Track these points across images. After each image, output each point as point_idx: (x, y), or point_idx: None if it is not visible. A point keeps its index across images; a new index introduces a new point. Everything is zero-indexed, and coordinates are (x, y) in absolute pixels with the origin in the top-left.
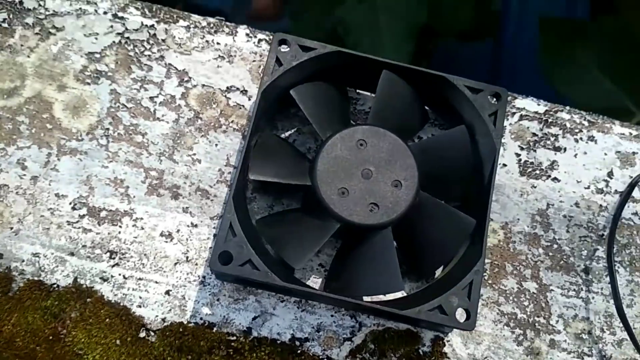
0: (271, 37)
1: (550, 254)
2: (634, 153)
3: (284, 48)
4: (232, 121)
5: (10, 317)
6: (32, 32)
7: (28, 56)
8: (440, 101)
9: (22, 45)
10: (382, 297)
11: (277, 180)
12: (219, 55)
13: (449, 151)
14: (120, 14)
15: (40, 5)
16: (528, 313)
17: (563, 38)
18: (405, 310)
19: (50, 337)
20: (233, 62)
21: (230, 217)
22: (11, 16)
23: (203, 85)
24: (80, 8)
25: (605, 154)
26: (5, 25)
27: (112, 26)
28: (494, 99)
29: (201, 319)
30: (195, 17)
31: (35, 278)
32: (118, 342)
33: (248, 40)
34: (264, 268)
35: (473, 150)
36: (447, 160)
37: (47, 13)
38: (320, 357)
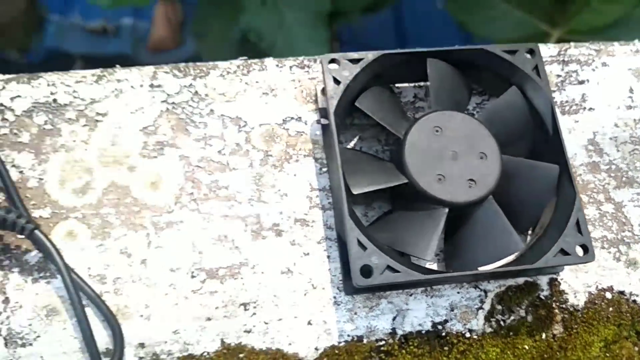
0: (298, 61)
1: (612, 175)
2: None
3: (334, 66)
4: (300, 149)
5: None
6: (79, 125)
7: (85, 149)
8: (476, 71)
9: (74, 141)
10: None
11: (377, 187)
12: (263, 92)
13: (510, 112)
14: (154, 83)
15: (75, 97)
16: (615, 232)
17: None
18: (535, 263)
19: None
20: (277, 95)
21: (356, 235)
22: (50, 116)
23: (260, 125)
24: (115, 88)
25: (620, 75)
26: (49, 126)
27: (153, 96)
28: (529, 55)
29: (348, 335)
30: (222, 64)
31: (185, 354)
32: None
33: (280, 71)
34: (403, 269)
35: (529, 106)
36: (511, 121)
37: (85, 103)
38: (463, 332)
